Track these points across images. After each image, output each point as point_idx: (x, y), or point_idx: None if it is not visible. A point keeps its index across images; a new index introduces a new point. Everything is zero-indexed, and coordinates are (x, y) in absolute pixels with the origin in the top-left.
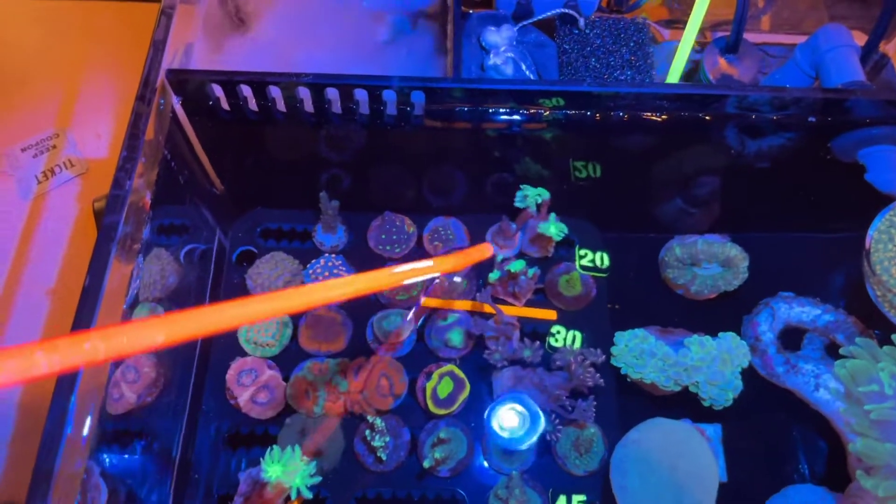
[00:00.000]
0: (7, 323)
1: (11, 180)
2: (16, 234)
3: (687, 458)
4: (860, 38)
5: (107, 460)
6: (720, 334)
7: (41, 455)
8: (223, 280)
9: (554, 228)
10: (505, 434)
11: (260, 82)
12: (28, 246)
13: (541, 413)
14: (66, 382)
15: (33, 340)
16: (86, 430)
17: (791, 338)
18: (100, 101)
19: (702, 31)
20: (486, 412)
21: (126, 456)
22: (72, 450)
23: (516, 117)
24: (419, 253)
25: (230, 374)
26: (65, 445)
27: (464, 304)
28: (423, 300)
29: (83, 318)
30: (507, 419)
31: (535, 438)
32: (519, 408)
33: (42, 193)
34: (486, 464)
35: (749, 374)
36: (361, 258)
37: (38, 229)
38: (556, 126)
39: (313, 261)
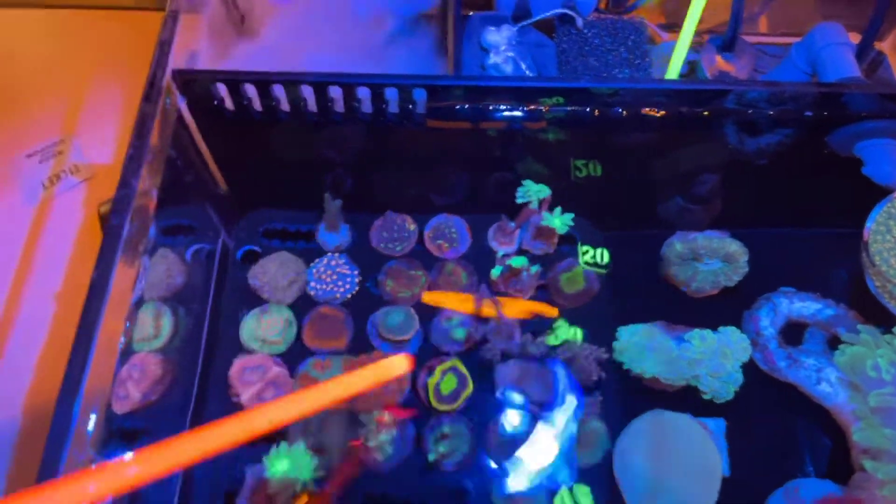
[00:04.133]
0: (13, 327)
1: (17, 186)
2: (22, 239)
3: (690, 450)
4: (855, 39)
5: (112, 458)
6: (720, 328)
7: (48, 450)
8: (227, 279)
9: (558, 221)
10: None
11: (264, 81)
12: (34, 250)
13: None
14: (73, 378)
15: (38, 345)
16: (91, 426)
17: (792, 333)
18: (105, 108)
19: (700, 35)
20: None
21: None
22: (77, 446)
23: (517, 113)
24: (421, 251)
25: (233, 372)
26: (71, 441)
27: (465, 305)
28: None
29: (89, 317)
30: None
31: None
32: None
33: (47, 199)
34: (490, 462)
35: (750, 370)
36: (364, 257)
37: (44, 234)
38: (556, 124)
39: (316, 260)
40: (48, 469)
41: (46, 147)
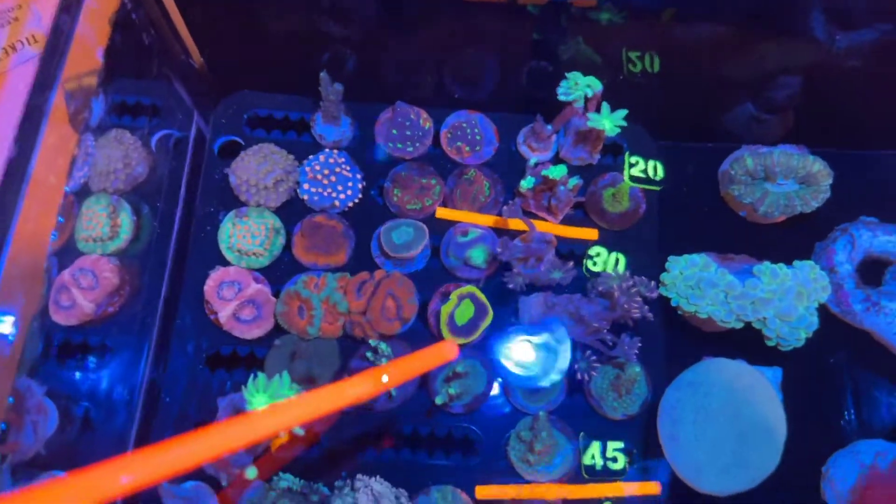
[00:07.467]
0: None
1: None
2: None
3: (753, 406)
4: None
5: (56, 379)
6: (795, 263)
7: None
8: (202, 174)
9: (608, 122)
10: (520, 371)
11: None
12: None
13: (568, 347)
14: None
15: None
16: (8, 330)
17: (872, 271)
18: None
19: None
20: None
21: (82, 374)
22: None
23: None
24: (436, 154)
25: (209, 286)
26: None
27: (487, 219)
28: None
29: (7, 201)
30: (523, 353)
31: (556, 377)
32: (536, 339)
33: (1, 72)
34: (507, 401)
35: (819, 312)
36: (368, 156)
37: None
38: (610, 2)
39: (311, 157)
40: None
41: (0, 13)
